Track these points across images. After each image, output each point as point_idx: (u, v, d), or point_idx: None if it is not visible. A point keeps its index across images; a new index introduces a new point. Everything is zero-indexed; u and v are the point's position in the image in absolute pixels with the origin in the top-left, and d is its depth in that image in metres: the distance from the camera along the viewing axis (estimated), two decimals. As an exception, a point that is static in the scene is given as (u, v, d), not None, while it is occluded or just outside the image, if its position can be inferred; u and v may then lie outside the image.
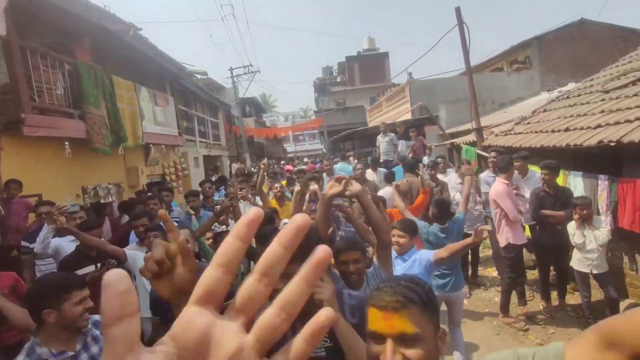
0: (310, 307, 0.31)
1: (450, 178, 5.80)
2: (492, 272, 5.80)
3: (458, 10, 7.30)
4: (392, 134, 9.27)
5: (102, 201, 6.38)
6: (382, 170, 7.17)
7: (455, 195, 5.12)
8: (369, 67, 29.00)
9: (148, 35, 7.36)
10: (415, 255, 2.88)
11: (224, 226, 3.78)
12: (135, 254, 3.17)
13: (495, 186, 4.40)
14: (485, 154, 6.08)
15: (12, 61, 4.49)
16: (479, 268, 5.78)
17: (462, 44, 7.47)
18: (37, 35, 5.30)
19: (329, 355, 1.32)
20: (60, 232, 3.32)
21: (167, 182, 8.91)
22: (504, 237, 4.40)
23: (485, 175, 5.27)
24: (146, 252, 3.22)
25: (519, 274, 4.51)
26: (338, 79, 31.18)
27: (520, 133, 6.13)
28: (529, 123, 6.43)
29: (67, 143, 5.21)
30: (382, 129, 9.25)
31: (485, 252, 6.23)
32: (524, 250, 5.65)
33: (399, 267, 2.84)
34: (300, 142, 40.35)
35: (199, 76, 11.64)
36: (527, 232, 5.18)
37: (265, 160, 5.28)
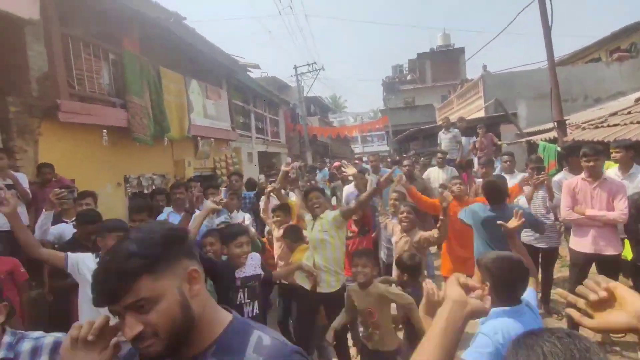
0: None
1: (517, 179, 4.76)
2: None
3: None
4: (456, 130, 8.23)
5: (145, 191, 6.42)
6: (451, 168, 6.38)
7: (519, 199, 4.13)
8: (442, 63, 27.23)
9: (203, 32, 7.28)
10: None
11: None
12: (78, 257, 2.49)
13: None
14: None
15: (51, 47, 4.56)
16: (552, 290, 4.67)
17: (543, 22, 6.28)
18: (83, 24, 5.41)
19: None
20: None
21: (217, 176, 8.87)
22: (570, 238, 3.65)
23: (561, 176, 4.20)
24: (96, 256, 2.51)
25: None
26: (408, 77, 29.82)
27: (616, 125, 4.87)
28: (629, 113, 5.11)
29: (104, 131, 5.23)
30: (444, 125, 8.27)
31: (563, 271, 5.06)
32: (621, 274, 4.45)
33: None
34: (368, 143, 39.88)
35: (254, 71, 11.53)
36: (628, 250, 4.00)
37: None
